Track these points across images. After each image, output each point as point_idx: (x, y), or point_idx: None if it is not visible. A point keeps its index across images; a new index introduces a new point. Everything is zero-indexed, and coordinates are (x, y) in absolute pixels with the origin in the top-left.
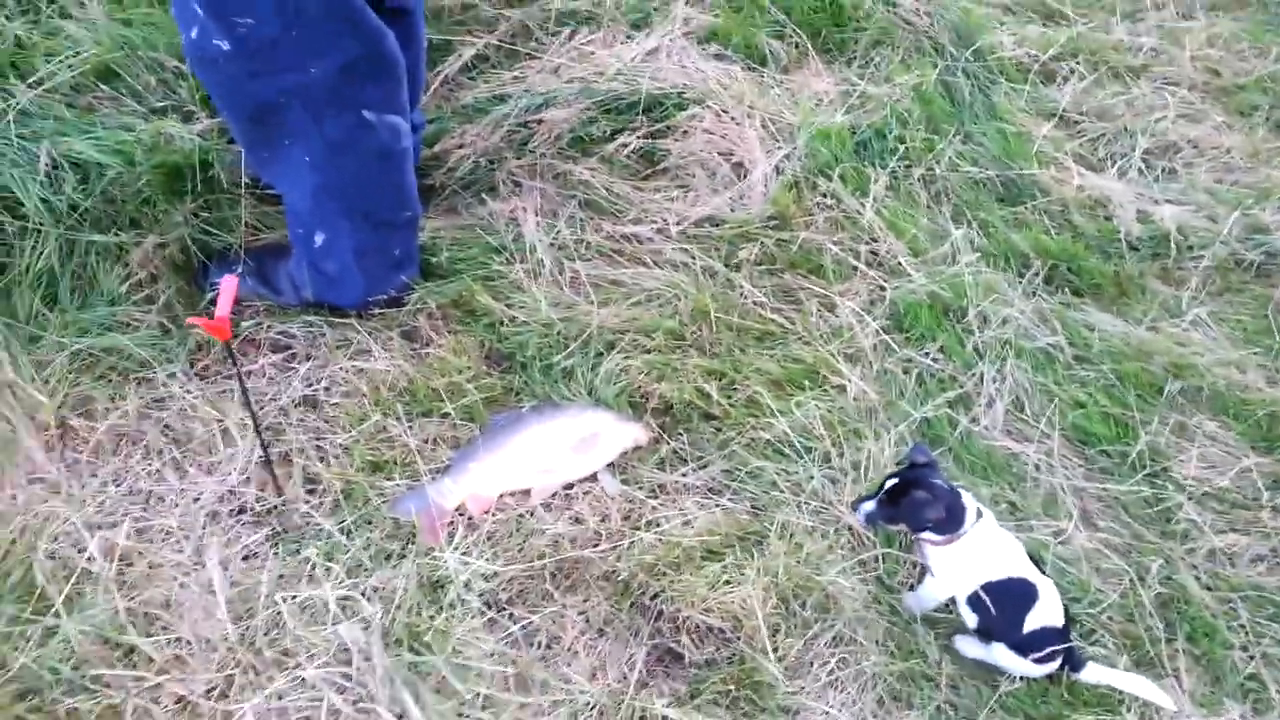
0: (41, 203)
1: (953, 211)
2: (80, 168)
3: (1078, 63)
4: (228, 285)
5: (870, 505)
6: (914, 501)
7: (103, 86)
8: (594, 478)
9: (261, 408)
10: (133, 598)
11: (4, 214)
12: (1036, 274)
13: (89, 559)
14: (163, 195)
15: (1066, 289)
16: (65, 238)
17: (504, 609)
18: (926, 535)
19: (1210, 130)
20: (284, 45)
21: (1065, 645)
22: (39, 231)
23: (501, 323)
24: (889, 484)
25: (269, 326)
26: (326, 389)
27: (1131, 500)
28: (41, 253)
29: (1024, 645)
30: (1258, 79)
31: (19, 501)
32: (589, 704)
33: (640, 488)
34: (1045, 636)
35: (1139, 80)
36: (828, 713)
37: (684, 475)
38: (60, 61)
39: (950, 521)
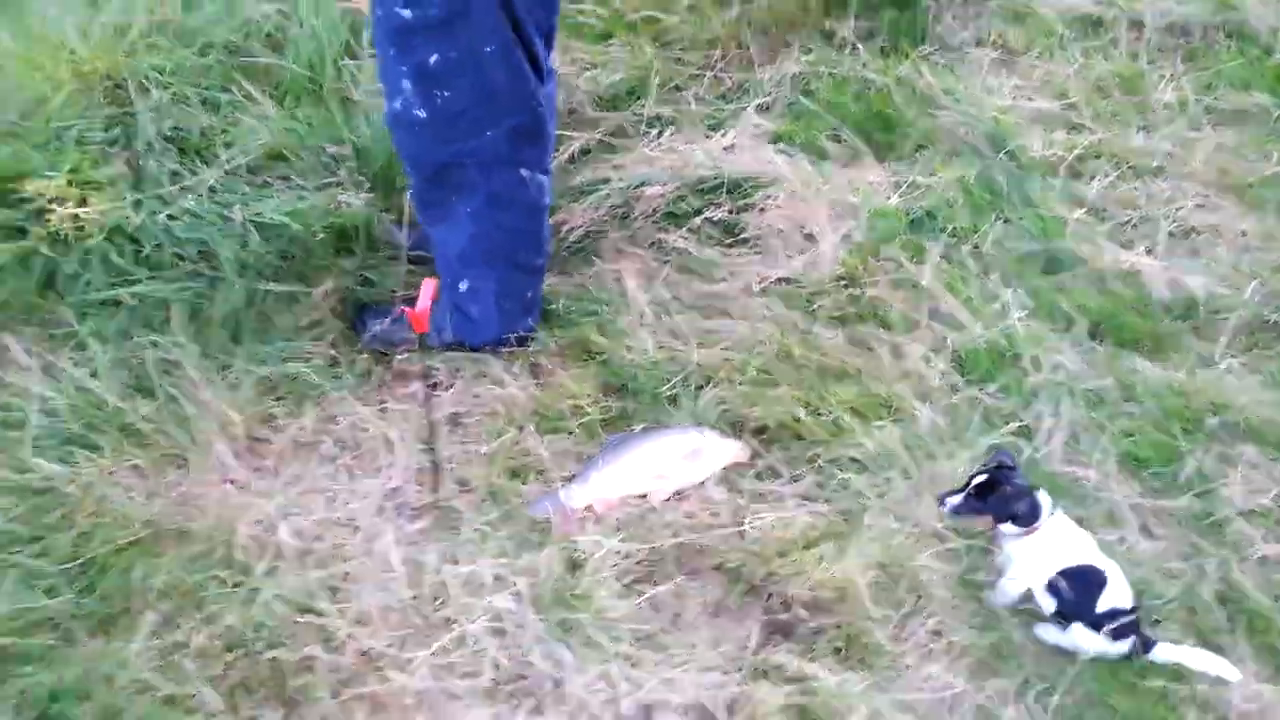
0: (231, 256)
1: (1001, 279)
2: (262, 229)
3: (1101, 162)
4: (428, 285)
5: (957, 499)
6: (1003, 496)
7: (276, 166)
8: (702, 486)
9: (415, 422)
10: (319, 571)
11: (203, 263)
12: (1081, 330)
13: (280, 541)
14: (331, 253)
15: (1110, 341)
16: (249, 286)
17: (631, 586)
18: (1007, 527)
19: (1226, 218)
20: (470, 114)
21: (1135, 616)
22: (226, 281)
23: (612, 360)
24: (977, 480)
25: (417, 361)
26: (468, 411)
27: (1185, 515)
28: (229, 298)
29: (1099, 623)
30: (1264, 178)
31: (214, 498)
32: (714, 664)
33: (743, 495)
34: (1117, 616)
35: (1157, 179)
36: (930, 674)
37: (781, 485)
38: (239, 148)
39: (1030, 514)
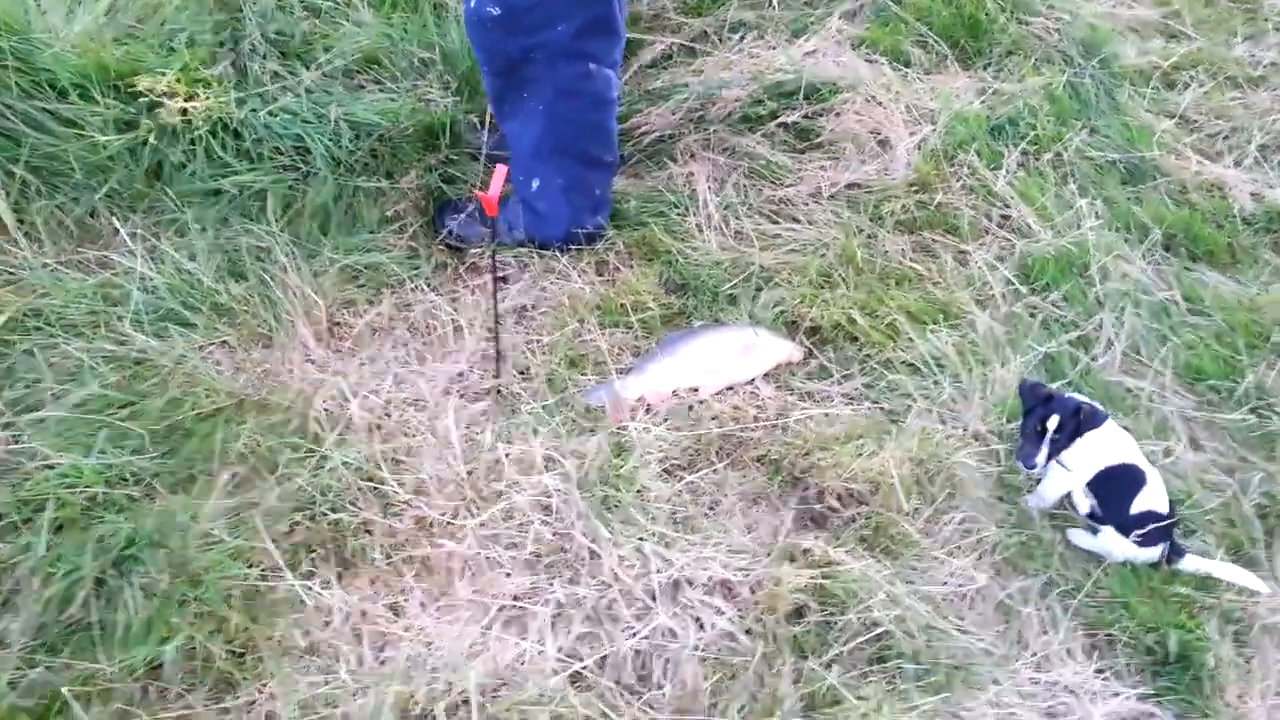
0: (324, 152)
1: (1079, 189)
2: (354, 126)
3: (1197, 72)
4: (500, 171)
5: (1042, 453)
6: (1079, 422)
7: (370, 69)
8: (752, 383)
9: (483, 312)
10: (384, 444)
11: (297, 158)
12: (1155, 241)
13: (351, 414)
14: (417, 149)
15: (1183, 253)
16: (339, 181)
17: (673, 472)
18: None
19: None
20: (540, 9)
21: (1169, 523)
22: (318, 175)
23: (677, 259)
24: (1052, 424)
25: (488, 256)
26: (534, 304)
27: (1237, 428)
28: (320, 191)
29: (1129, 525)
30: None
31: (295, 374)
32: (744, 548)
33: (792, 392)
34: (1150, 519)
35: (1257, 90)
36: (955, 568)
37: (829, 385)
38: (336, 51)
39: (1096, 418)
